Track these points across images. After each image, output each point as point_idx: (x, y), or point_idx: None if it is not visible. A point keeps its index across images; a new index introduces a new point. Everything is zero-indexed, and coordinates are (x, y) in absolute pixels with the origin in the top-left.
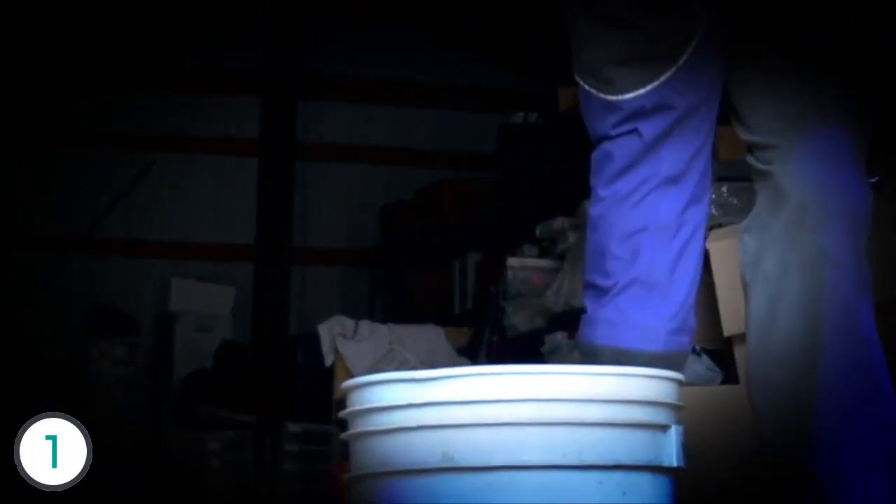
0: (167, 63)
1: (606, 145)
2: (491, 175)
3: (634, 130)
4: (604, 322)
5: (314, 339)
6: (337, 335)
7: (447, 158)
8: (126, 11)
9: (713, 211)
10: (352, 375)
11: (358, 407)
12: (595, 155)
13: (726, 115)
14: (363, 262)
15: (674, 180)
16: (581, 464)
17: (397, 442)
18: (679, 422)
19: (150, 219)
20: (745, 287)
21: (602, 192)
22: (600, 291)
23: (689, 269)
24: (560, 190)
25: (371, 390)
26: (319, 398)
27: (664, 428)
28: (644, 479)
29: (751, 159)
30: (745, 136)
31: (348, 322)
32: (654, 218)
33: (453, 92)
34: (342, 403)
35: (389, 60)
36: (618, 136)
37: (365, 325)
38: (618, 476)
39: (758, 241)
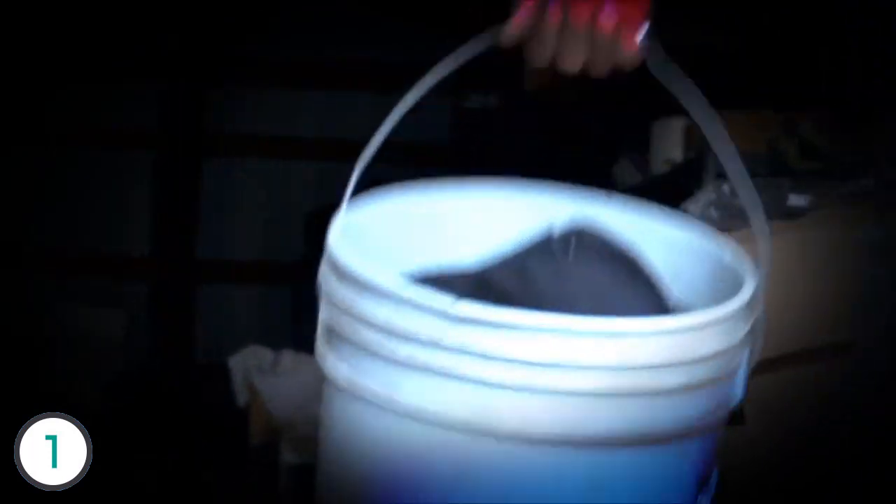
0: None
1: None
2: (441, 170)
3: None
4: None
5: (224, 373)
6: (252, 368)
7: (387, 151)
8: None
9: (713, 213)
10: (270, 417)
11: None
12: None
13: (734, 99)
14: (285, 279)
15: None
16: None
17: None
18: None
19: (19, 226)
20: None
21: None
22: None
23: None
24: None
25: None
26: (230, 446)
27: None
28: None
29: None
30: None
31: (266, 353)
32: None
33: (394, 70)
34: (258, 451)
35: (316, 35)
36: None
37: (287, 356)
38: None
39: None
